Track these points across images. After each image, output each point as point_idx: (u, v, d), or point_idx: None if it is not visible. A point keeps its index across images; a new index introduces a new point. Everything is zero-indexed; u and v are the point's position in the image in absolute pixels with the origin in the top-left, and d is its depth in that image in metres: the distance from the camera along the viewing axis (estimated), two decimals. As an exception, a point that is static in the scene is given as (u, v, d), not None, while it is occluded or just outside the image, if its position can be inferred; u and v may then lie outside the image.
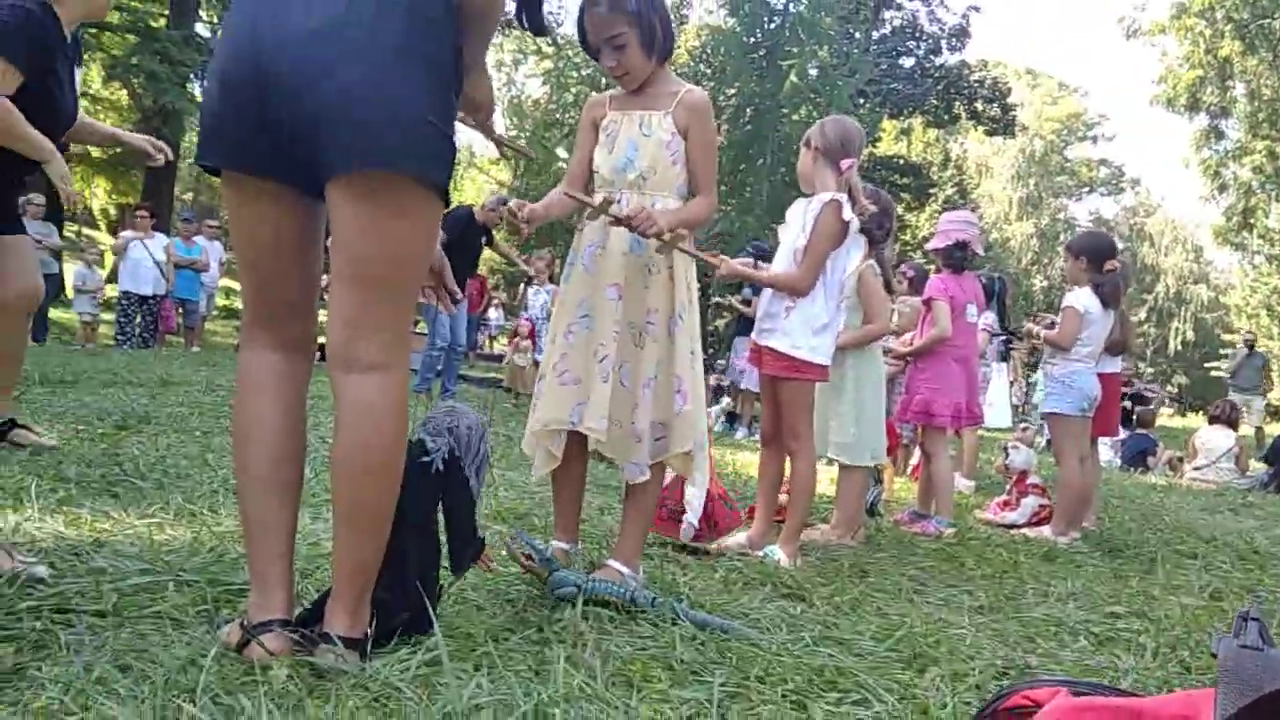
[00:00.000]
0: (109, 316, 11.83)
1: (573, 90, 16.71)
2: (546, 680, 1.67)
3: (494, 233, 8.15)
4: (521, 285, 9.14)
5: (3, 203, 3.24)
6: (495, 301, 16.72)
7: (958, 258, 4.48)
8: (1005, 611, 2.67)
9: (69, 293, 11.90)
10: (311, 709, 1.46)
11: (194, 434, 4.06)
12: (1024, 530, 4.37)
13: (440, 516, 1.96)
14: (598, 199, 2.42)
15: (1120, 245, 5.26)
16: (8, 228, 3.25)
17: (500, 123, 19.14)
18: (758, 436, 3.68)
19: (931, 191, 28.70)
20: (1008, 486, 4.99)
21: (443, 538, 1.96)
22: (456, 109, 1.81)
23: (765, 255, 7.80)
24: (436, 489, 1.91)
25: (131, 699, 1.41)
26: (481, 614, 2.08)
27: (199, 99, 16.72)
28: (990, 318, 7.27)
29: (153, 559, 2.11)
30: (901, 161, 27.57)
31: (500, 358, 13.83)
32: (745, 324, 8.65)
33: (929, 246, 4.48)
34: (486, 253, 8.60)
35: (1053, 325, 4.74)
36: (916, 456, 5.91)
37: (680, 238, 2.41)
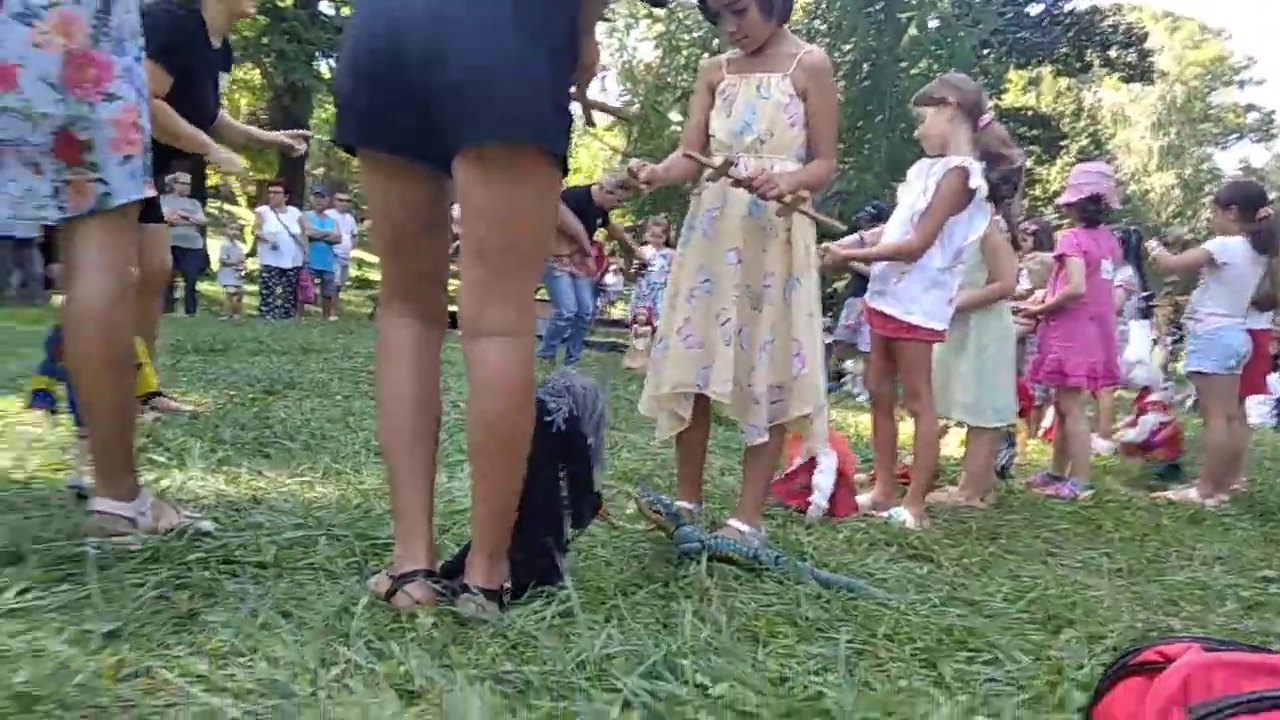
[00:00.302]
0: (252, 288, 12.48)
1: (684, 53, 16.58)
2: (674, 633, 1.72)
3: (610, 215, 8.23)
4: (635, 265, 9.19)
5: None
6: (613, 267, 16.88)
7: (1091, 211, 4.29)
8: (1146, 575, 2.59)
9: (214, 266, 12.59)
10: (455, 654, 1.55)
11: (335, 398, 4.28)
12: (1167, 494, 4.19)
13: (563, 474, 2.03)
14: (718, 161, 2.42)
15: (1271, 195, 4.92)
16: (150, 216, 3.49)
17: (613, 88, 19.19)
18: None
19: (1063, 144, 27.34)
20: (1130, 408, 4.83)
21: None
22: (573, 78, 1.84)
23: (883, 215, 7.60)
24: (558, 447, 1.98)
25: (294, 642, 1.52)
26: (610, 569, 2.14)
27: (325, 76, 17.39)
28: (1128, 273, 6.92)
29: (305, 515, 2.26)
30: (1030, 113, 26.32)
31: (619, 322, 13.99)
32: (860, 284, 8.50)
33: (1060, 201, 4.31)
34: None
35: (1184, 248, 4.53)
36: (1049, 418, 5.73)
37: (801, 200, 2.40)
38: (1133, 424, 4.62)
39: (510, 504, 1.80)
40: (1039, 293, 5.77)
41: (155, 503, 2.04)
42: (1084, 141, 28.81)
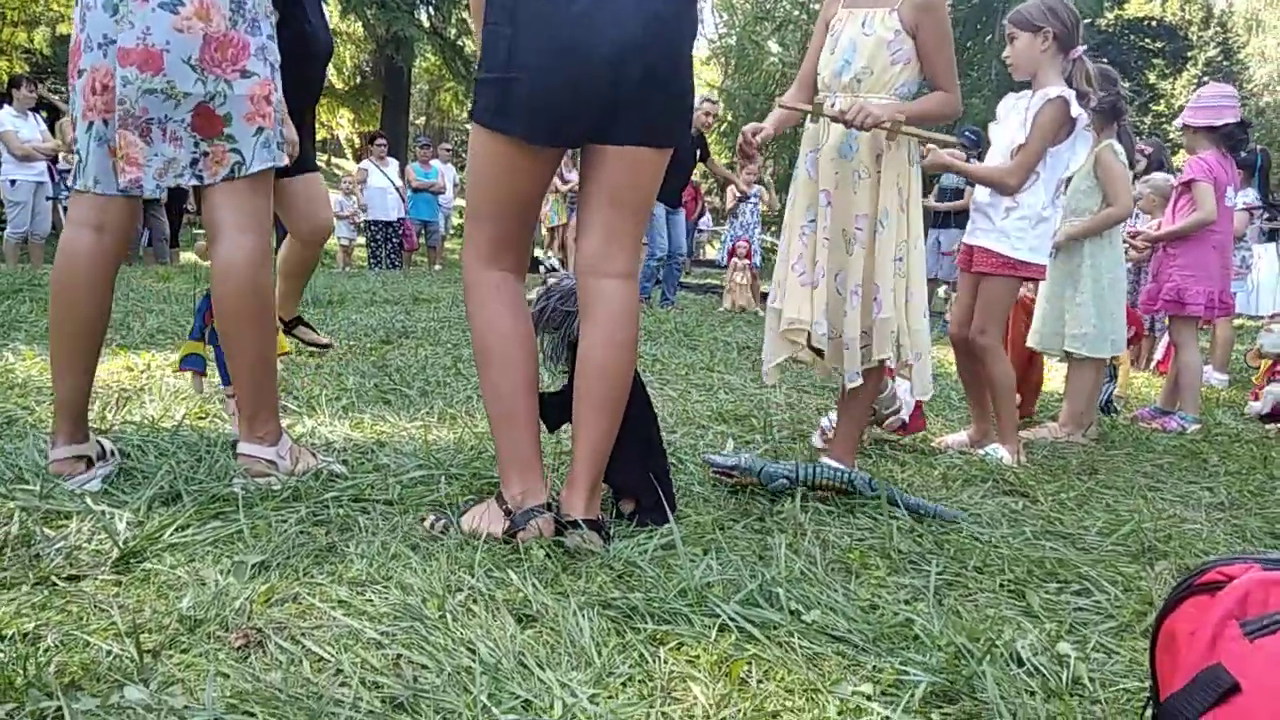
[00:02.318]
0: (362, 240, 12.91)
1: (784, -22, 16.17)
2: (770, 564, 1.83)
3: (708, 150, 8.19)
4: (730, 194, 9.11)
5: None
6: (709, 207, 16.79)
7: (1239, 139, 4.14)
8: (1248, 508, 2.56)
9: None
10: (566, 582, 1.69)
11: (446, 346, 4.48)
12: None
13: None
14: (808, 105, 2.44)
15: None
16: (301, 164, 3.65)
17: (710, 20, 18.82)
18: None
19: (1189, 54, 25.67)
20: (1256, 377, 4.63)
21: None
22: None
23: (977, 142, 7.39)
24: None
25: (424, 571, 1.69)
26: (707, 505, 2.26)
27: (425, 25, 17.61)
28: (1251, 195, 6.59)
29: (425, 456, 2.43)
30: (1153, 23, 24.79)
31: (713, 263, 13.96)
32: (935, 219, 8.35)
33: (1195, 122, 4.07)
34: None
35: None
36: (1161, 350, 5.56)
37: (898, 124, 2.36)
38: (1256, 395, 4.44)
39: (613, 437, 1.94)
40: (1151, 221, 5.58)
41: (293, 447, 2.24)
42: (1212, 51, 26.97)
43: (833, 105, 2.43)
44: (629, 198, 1.93)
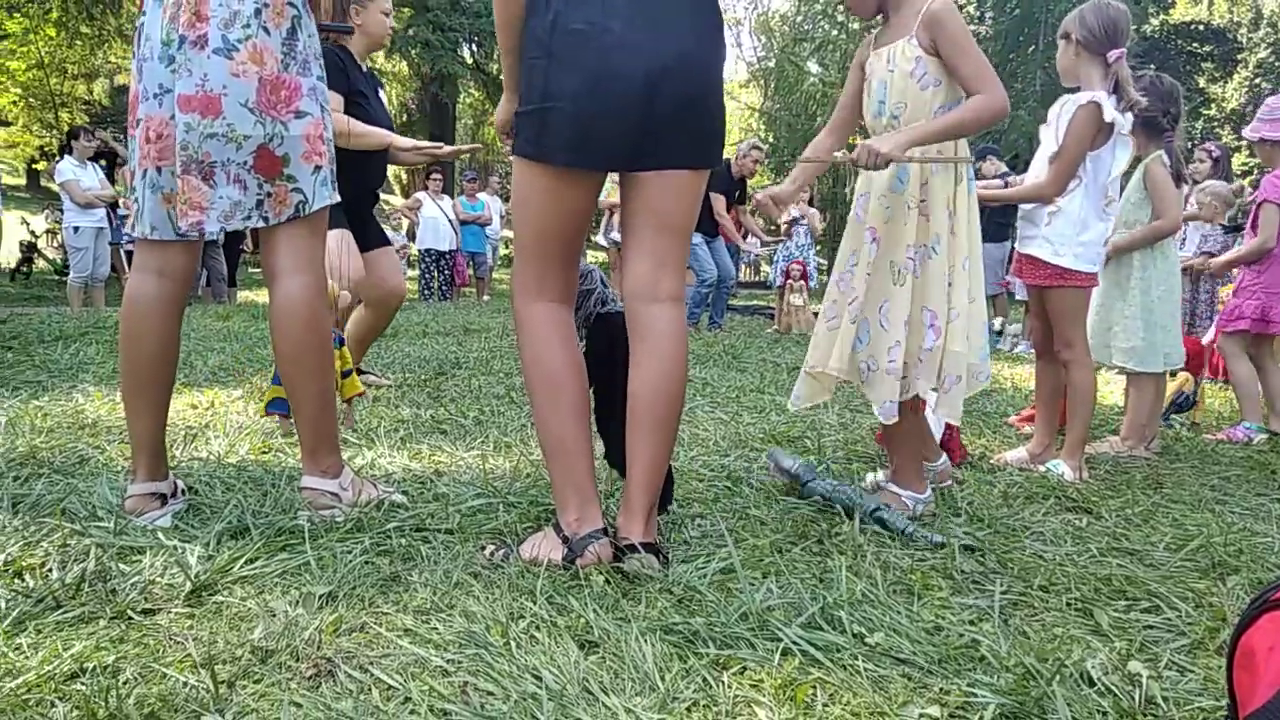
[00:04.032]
0: (412, 273, 13.13)
1: (821, 1, 16.22)
2: (830, 586, 1.82)
3: (747, 187, 8.26)
4: (785, 223, 9.11)
5: (366, 222, 3.87)
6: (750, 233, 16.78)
7: None
8: (1323, 521, 2.49)
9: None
10: (627, 608, 1.70)
11: (499, 375, 4.54)
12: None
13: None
14: (825, 156, 2.47)
15: None
16: (376, 240, 3.90)
17: (747, 41, 18.90)
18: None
19: (1239, 57, 25.19)
20: None
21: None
22: None
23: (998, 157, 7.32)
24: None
25: (487, 599, 1.71)
26: (765, 528, 2.25)
27: (468, 62, 17.95)
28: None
29: (483, 485, 2.46)
30: (1201, 27, 24.39)
31: (760, 284, 13.94)
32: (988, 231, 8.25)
33: (1272, 136, 3.96)
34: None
35: None
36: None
37: (901, 154, 2.28)
38: None
39: (668, 459, 1.96)
40: (1208, 228, 5.47)
41: (354, 479, 2.28)
42: (1264, 53, 26.42)
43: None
44: (671, 222, 1.96)
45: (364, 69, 3.82)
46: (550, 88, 1.83)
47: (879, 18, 2.51)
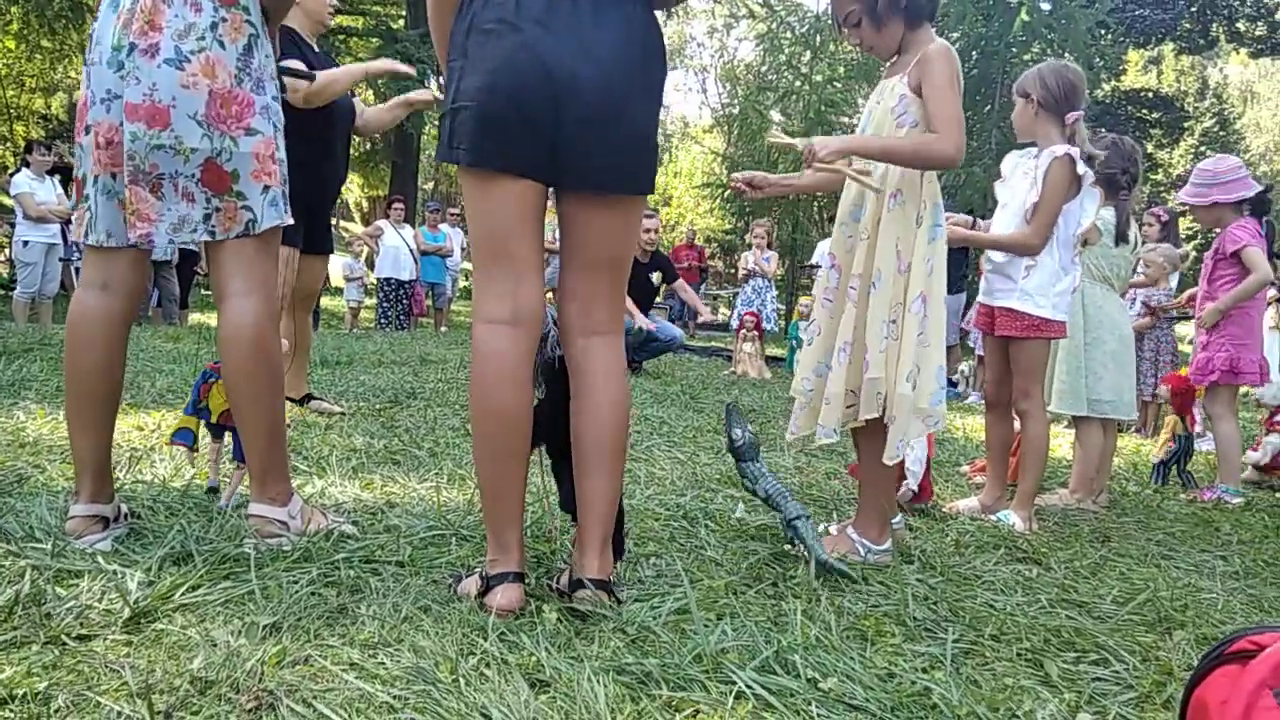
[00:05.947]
0: (370, 302, 13.00)
1: (786, 51, 16.51)
2: (785, 630, 1.81)
3: (671, 263, 8.16)
4: (741, 263, 9.17)
5: (324, 227, 4.02)
6: (711, 270, 16.92)
7: (1266, 203, 4.23)
8: (1263, 577, 2.54)
9: (337, 282, 13.17)
10: (580, 646, 1.67)
11: (454, 407, 4.49)
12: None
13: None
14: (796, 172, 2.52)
15: None
16: (321, 247, 4.01)
17: (713, 88, 19.20)
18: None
19: (1186, 125, 26.11)
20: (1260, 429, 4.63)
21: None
22: None
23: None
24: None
25: (436, 634, 1.68)
26: (720, 569, 2.24)
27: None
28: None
29: (436, 518, 2.43)
30: (1150, 95, 25.25)
31: (720, 327, 14.02)
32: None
33: (1228, 199, 4.05)
34: (702, 222, 8.75)
35: None
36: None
37: (835, 160, 2.33)
38: (1256, 446, 4.44)
39: (618, 494, 1.94)
40: (1156, 290, 5.61)
41: (304, 507, 2.23)
42: (1209, 122, 27.47)
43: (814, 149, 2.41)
44: (598, 255, 1.93)
45: (315, 49, 3.89)
46: (461, 87, 1.80)
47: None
